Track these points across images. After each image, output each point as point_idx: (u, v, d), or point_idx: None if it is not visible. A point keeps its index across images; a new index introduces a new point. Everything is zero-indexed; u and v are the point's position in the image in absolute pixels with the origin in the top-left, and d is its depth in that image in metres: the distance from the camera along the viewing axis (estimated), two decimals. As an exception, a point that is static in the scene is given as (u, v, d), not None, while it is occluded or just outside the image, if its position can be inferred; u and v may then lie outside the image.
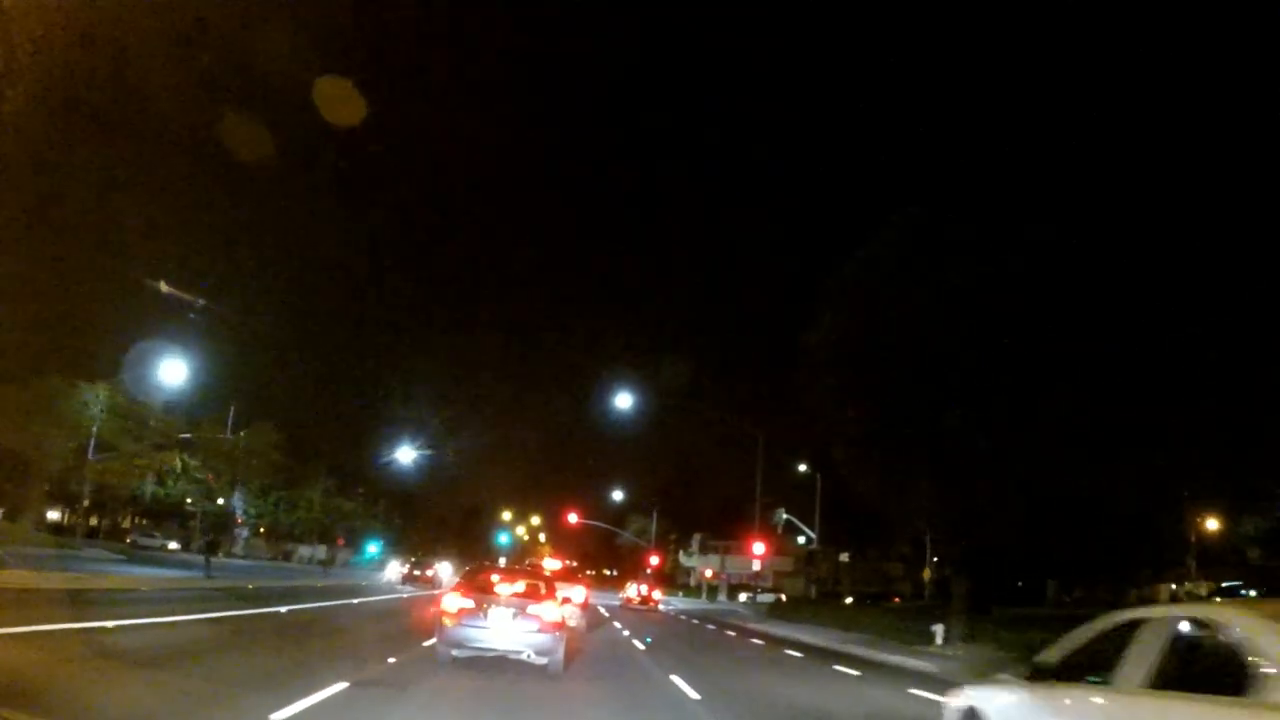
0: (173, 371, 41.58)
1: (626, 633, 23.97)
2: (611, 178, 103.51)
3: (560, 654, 12.34)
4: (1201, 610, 5.51)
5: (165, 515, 73.86)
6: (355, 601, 27.04)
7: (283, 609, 20.27)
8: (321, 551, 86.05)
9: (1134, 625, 5.44)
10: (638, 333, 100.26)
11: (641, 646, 19.67)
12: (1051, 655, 6.20)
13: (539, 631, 12.02)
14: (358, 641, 15.34)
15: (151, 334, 39.94)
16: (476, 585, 13.31)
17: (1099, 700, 5.32)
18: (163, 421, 36.81)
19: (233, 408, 52.04)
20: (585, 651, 17.70)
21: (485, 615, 11.99)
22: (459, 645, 12.13)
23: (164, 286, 30.77)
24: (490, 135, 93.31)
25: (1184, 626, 5.13)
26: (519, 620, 12.01)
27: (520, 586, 13.31)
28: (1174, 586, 72.79)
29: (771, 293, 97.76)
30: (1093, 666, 5.62)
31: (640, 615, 37.52)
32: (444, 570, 52.56)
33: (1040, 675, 6.11)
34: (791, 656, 21.25)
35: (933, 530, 23.93)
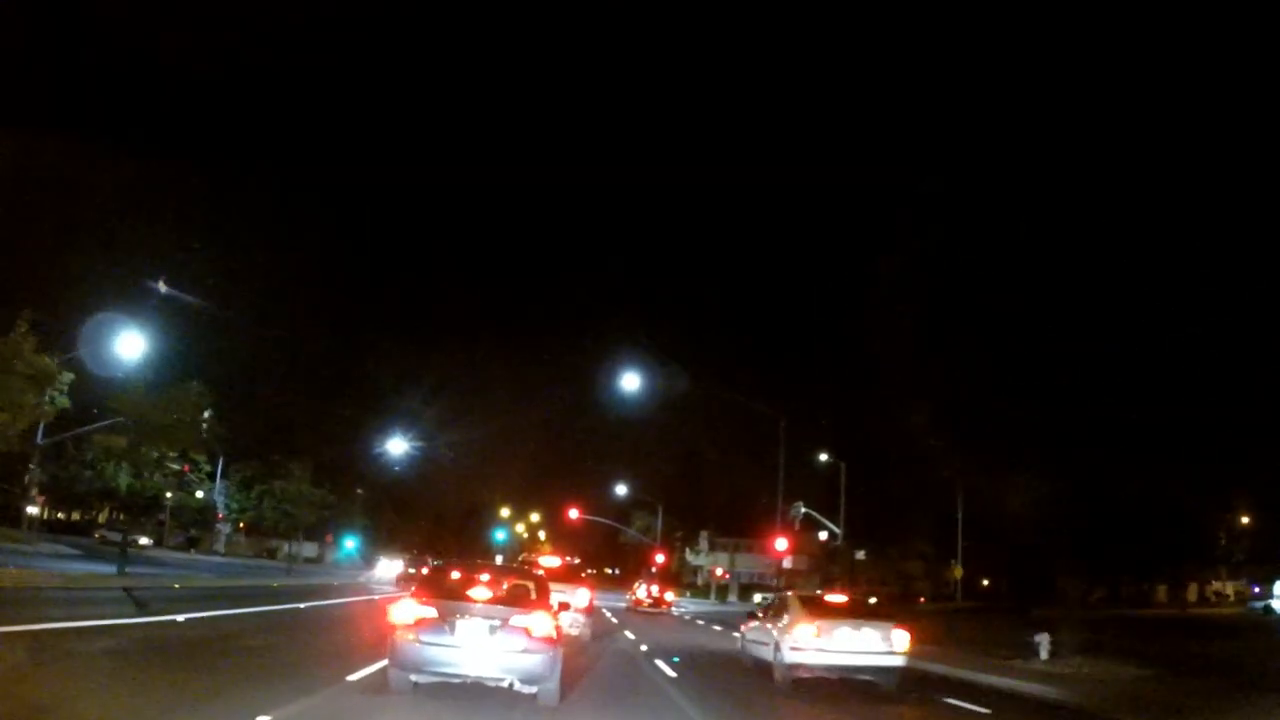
0: (130, 346, 38.09)
1: (644, 646, 18.70)
2: (613, 159, 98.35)
3: (555, 680, 9.48)
4: (792, 591, 19.58)
5: (143, 509, 70.14)
6: (303, 606, 21.76)
7: (181, 618, 15.06)
8: (308, 549, 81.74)
9: (775, 597, 18.32)
10: (643, 319, 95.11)
11: (670, 671, 14.41)
12: (756, 608, 18.91)
13: (526, 651, 9.12)
14: (244, 674, 10.09)
15: (119, 316, 37.06)
16: (444, 588, 10.26)
17: (765, 625, 15.37)
18: (40, 368, 30.93)
19: (194, 385, 46.50)
20: (592, 673, 13.43)
21: (452, 628, 9.12)
22: (417, 669, 9.23)
23: (163, 286, 30.73)
24: (486, 118, 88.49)
25: (787, 597, 15.91)
26: (500, 635, 9.12)
27: (504, 589, 10.43)
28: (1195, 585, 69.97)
29: (784, 278, 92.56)
30: (768, 611, 15.98)
31: (652, 620, 32.26)
32: None
33: (753, 616, 16.96)
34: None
35: (1043, 515, 18.70)
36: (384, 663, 10.93)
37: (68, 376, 42.73)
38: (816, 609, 14.53)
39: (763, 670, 15.06)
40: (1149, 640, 23.76)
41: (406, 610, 9.26)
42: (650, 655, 16.82)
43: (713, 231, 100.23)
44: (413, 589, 11.05)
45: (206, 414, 51.44)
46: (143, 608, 16.35)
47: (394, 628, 9.27)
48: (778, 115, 75.99)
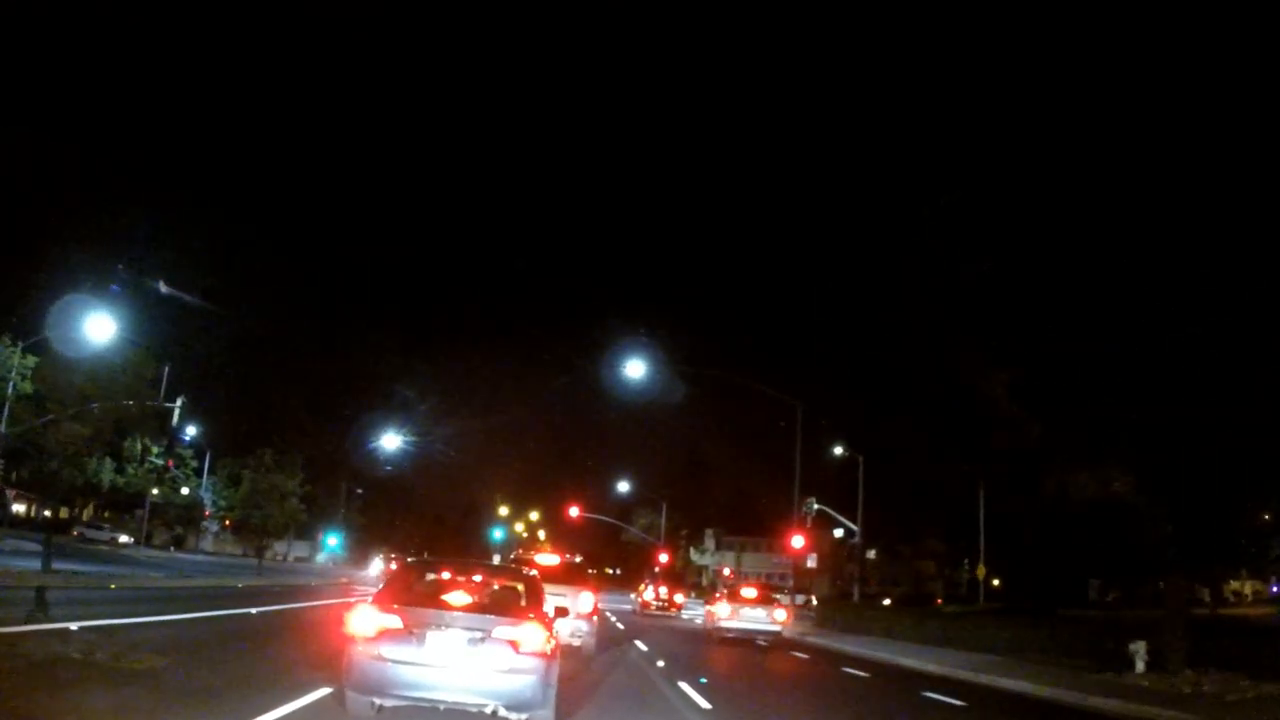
0: (100, 329, 35.70)
1: (661, 662, 15.34)
2: (617, 147, 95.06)
3: (550, 706, 7.82)
4: (726, 589, 32.79)
5: (127, 506, 67.84)
6: (254, 611, 18.46)
7: (75, 626, 11.95)
8: (300, 548, 78.86)
9: (716, 593, 32.88)
10: (647, 311, 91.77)
11: (700, 699, 11.04)
12: (709, 599, 34.30)
13: (512, 670, 7.45)
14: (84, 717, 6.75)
15: (92, 301, 35.17)
16: (413, 592, 8.59)
17: (710, 607, 27.41)
18: None
19: (166, 369, 43.21)
20: (597, 696, 10.57)
21: (421, 640, 7.47)
22: (379, 690, 7.57)
23: (164, 287, 30.31)
24: (489, 109, 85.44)
25: (722, 592, 28.65)
26: (480, 649, 7.47)
27: (488, 593, 8.93)
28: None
29: (792, 271, 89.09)
30: (712, 600, 28.56)
31: (664, 626, 28.96)
32: None
33: (708, 603, 29.87)
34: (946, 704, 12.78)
35: (1152, 502, 15.50)
36: (312, 698, 8.44)
37: (31, 361, 39.88)
38: (734, 598, 24.76)
39: (709, 633, 25.00)
40: (1228, 646, 20.53)
41: (366, 619, 7.57)
42: (669, 673, 13.49)
43: (719, 224, 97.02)
44: (375, 592, 8.86)
45: (180, 401, 48.41)
46: (41, 611, 13.07)
47: (351, 639, 7.58)
48: (794, 90, 72.78)
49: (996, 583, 71.94)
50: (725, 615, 23.41)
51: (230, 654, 11.45)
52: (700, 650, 20.40)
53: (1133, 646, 16.27)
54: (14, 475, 55.79)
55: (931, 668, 18.65)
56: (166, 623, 14.09)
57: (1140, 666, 16.12)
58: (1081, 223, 15.83)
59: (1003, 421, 16.72)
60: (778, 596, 32.67)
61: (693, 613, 42.02)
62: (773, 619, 23.52)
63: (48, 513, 40.43)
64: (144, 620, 13.88)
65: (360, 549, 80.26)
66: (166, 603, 17.49)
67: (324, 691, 8.98)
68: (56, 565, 26.31)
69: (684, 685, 11.88)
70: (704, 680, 12.73)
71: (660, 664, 14.87)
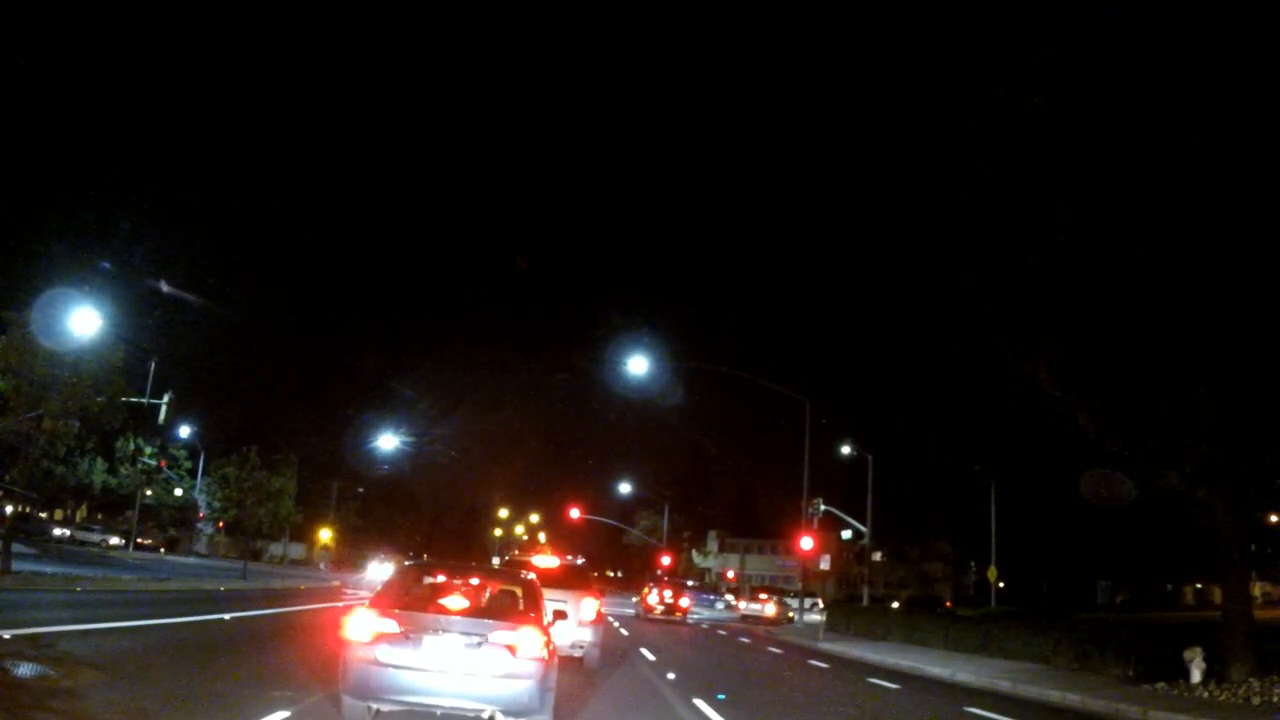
0: (84, 323, 34.55)
1: (671, 674, 13.88)
2: (616, 134, 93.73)
3: (548, 712, 7.70)
4: (735, 589, 69.19)
5: (120, 508, 66.72)
6: (228, 617, 17.04)
7: (8, 634, 10.82)
8: (296, 550, 77.60)
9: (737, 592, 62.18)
10: (650, 311, 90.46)
11: (719, 718, 9.55)
12: (726, 597, 59.75)
13: (509, 675, 7.34)
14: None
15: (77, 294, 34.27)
16: (410, 596, 8.46)
17: (735, 602, 58.22)
18: None
19: (152, 364, 41.74)
20: (603, 711, 9.77)
21: (418, 644, 7.39)
22: (375, 695, 7.41)
23: (165, 287, 30.76)
24: (489, 102, 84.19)
25: (736, 591, 65.50)
26: (477, 653, 7.39)
27: (485, 597, 8.82)
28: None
29: (799, 271, 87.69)
30: (735, 595, 62.06)
31: (670, 632, 27.56)
32: None
33: (724, 598, 60.22)
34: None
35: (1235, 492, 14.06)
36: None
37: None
38: (747, 596, 52.30)
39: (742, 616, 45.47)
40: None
41: (362, 623, 7.49)
42: (683, 688, 12.04)
43: (723, 220, 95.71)
44: (371, 596, 8.55)
45: (167, 397, 47.02)
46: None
47: (348, 644, 7.52)
48: (796, 87, 71.51)
49: (1001, 585, 70.79)
50: (741, 606, 45.88)
51: (183, 667, 10.01)
52: (713, 659, 18.99)
53: (1188, 654, 14.83)
54: (5, 476, 54.59)
55: (963, 677, 17.22)
56: (120, 630, 12.65)
57: (1197, 676, 14.68)
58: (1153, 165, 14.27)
59: (1042, 411, 15.20)
60: (785, 600, 47.52)
61: (699, 616, 40.72)
62: (764, 610, 43.12)
63: (10, 508, 38.73)
64: (95, 627, 12.45)
65: (356, 550, 78.98)
66: (131, 608, 16.06)
67: (282, 715, 7.68)
68: (27, 566, 24.93)
69: (700, 702, 10.45)
70: (722, 696, 11.29)
71: (671, 676, 13.43)
